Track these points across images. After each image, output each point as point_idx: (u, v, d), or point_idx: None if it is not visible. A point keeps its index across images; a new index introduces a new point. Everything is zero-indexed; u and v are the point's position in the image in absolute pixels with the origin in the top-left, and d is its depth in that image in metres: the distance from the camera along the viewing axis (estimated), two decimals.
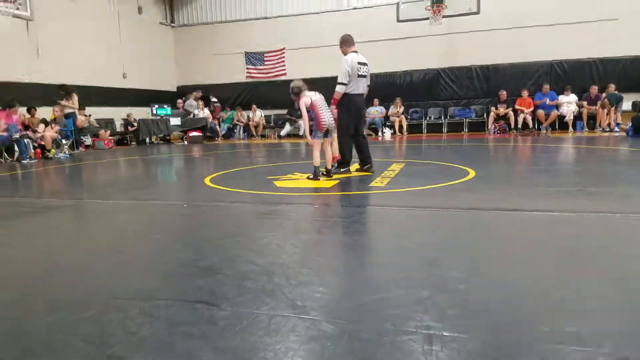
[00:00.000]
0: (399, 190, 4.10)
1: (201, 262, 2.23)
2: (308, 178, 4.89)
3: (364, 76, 5.15)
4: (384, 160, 6.72)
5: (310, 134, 4.95)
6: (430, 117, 13.13)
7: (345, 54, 5.12)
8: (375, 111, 13.24)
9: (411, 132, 13.08)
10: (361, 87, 5.13)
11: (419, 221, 2.97)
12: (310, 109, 4.82)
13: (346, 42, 5.16)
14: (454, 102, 13.12)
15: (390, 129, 12.79)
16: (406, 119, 12.99)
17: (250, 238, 2.68)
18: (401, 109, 12.98)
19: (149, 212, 3.68)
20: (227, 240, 2.63)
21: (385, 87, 13.39)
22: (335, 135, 5.13)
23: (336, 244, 2.56)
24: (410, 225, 2.89)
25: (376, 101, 13.18)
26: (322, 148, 4.99)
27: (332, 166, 5.05)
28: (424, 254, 2.26)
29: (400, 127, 12.84)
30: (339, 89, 5.05)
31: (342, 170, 5.19)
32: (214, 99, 14.55)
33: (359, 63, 5.05)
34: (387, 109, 13.19)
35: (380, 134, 12.77)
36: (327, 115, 4.80)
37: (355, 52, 5.11)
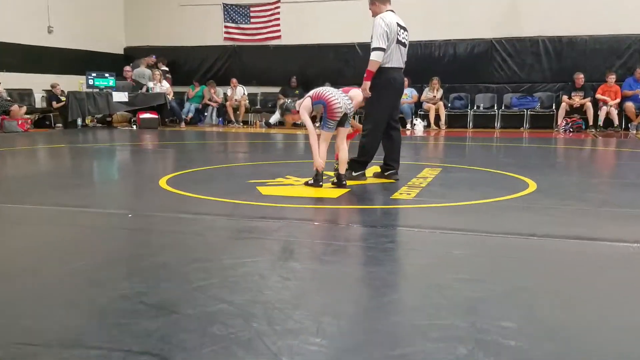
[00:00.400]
0: (432, 206, 4.11)
1: (151, 297, 2.23)
2: (306, 184, 4.90)
3: (404, 45, 5.12)
4: (414, 163, 6.74)
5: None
6: (478, 107, 13.20)
7: (376, 14, 5.06)
8: (403, 95, 13.28)
9: (452, 125, 13.15)
10: (402, 59, 5.11)
11: (458, 249, 2.97)
12: (316, 100, 4.78)
13: None
14: (511, 87, 13.20)
15: (423, 121, 12.84)
16: (445, 107, 13.07)
17: (221, 265, 2.67)
18: (439, 94, 13.05)
19: (79, 223, 3.67)
20: (189, 268, 2.63)
21: (418, 63, 13.42)
22: (350, 126, 5.05)
23: (342, 277, 2.56)
24: (446, 255, 2.89)
25: (405, 81, 13.23)
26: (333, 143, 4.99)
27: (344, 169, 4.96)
28: (463, 295, 2.26)
29: (437, 118, 12.91)
30: (376, 57, 4.91)
31: (354, 174, 5.17)
32: (164, 67, 14.57)
33: (399, 25, 5.02)
34: (420, 92, 13.25)
35: (409, 126, 12.82)
36: (342, 98, 4.77)
37: (392, 11, 5.09)
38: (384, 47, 4.89)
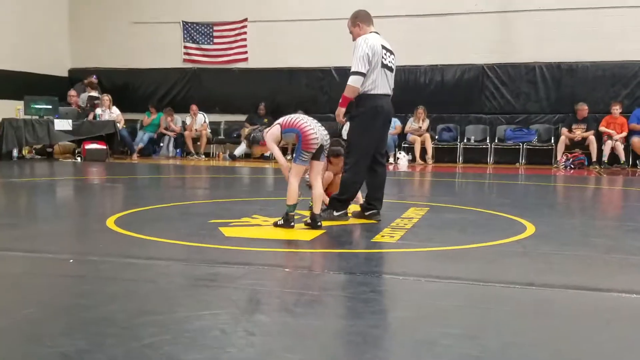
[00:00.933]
0: (419, 250, 4.14)
1: (94, 355, 2.19)
2: (276, 225, 4.91)
3: (391, 69, 5.18)
4: (398, 201, 6.79)
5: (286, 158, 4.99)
6: (469, 139, 13.44)
7: (358, 36, 5.14)
8: None
9: (439, 159, 13.32)
10: (388, 85, 5.15)
11: (446, 300, 2.99)
12: (287, 127, 4.83)
13: (362, 19, 5.19)
14: (505, 119, 13.48)
15: (408, 154, 13.00)
16: (432, 139, 13.26)
17: (176, 318, 2.64)
18: (425, 125, 13.26)
19: (10, 269, 3.60)
20: (139, 321, 2.58)
21: (402, 91, 13.51)
22: (331, 160, 5.17)
23: (317, 332, 2.54)
24: (434, 306, 2.90)
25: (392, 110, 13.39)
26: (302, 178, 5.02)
27: (321, 209, 5.02)
28: (454, 353, 2.26)
29: (423, 151, 13.08)
30: (353, 82, 4.98)
31: (336, 214, 5.19)
32: (92, 92, 14.29)
33: (384, 48, 5.09)
34: (404, 123, 13.43)
35: (392, 160, 12.95)
36: (319, 127, 4.83)
37: (377, 33, 5.19)
38: (364, 71, 4.94)
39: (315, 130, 4.76)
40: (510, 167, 12.74)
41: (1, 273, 3.53)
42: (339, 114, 5.12)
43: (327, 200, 5.18)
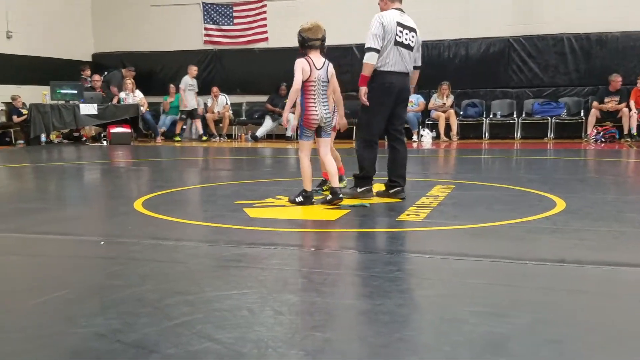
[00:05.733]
0: (445, 229, 4.13)
1: (128, 335, 2.24)
2: (294, 202, 4.97)
3: (407, 46, 5.17)
4: (422, 179, 6.77)
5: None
6: (495, 114, 13.27)
7: (383, 10, 5.19)
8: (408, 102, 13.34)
9: (464, 136, 13.20)
10: (403, 62, 5.16)
11: (474, 278, 2.99)
12: (302, 92, 4.91)
13: None
14: (533, 92, 13.28)
15: (432, 131, 12.91)
16: (457, 115, 13.13)
17: (206, 298, 2.68)
18: (449, 100, 13.13)
19: (43, 252, 3.68)
20: (170, 301, 2.64)
21: (425, 65, 13.36)
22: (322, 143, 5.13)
23: (344, 311, 2.57)
24: (462, 285, 2.90)
25: (410, 89, 13.27)
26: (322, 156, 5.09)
27: (323, 181, 5.26)
28: (482, 331, 2.27)
29: (448, 128, 12.97)
30: (367, 59, 5.04)
31: (359, 190, 5.23)
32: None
33: (400, 25, 5.10)
34: (427, 99, 13.33)
35: (415, 137, 12.87)
36: (323, 108, 4.91)
37: (400, 10, 5.21)
38: (377, 47, 4.98)
39: (317, 110, 4.86)
40: (538, 142, 12.56)
41: (35, 255, 3.62)
42: (360, 94, 5.14)
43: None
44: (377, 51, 4.99)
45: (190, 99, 13.90)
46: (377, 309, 2.59)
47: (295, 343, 2.18)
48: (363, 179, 5.26)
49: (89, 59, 15.78)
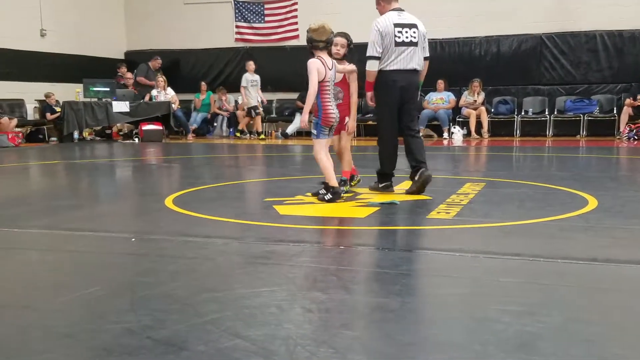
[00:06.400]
0: (476, 227, 4.09)
1: (158, 332, 2.26)
2: (319, 200, 4.99)
3: (410, 43, 5.31)
4: (453, 177, 6.72)
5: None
6: (526, 112, 13.14)
7: (381, 14, 5.40)
8: (438, 99, 13.32)
9: (495, 133, 13.08)
10: (406, 60, 5.32)
11: (505, 277, 2.96)
12: (320, 91, 5.00)
13: None
14: (565, 89, 13.12)
15: (463, 128, 12.80)
16: (488, 112, 13.02)
17: (235, 295, 2.70)
18: (480, 98, 13.02)
19: (76, 248, 3.73)
20: (200, 298, 2.65)
21: (456, 63, 13.47)
22: (345, 136, 5.46)
23: (373, 309, 2.56)
24: (492, 283, 2.87)
25: (440, 84, 13.28)
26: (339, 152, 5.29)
27: (343, 180, 5.40)
28: (513, 330, 2.24)
29: (479, 125, 12.86)
30: (369, 66, 5.31)
31: (380, 186, 5.45)
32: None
33: (398, 25, 5.28)
34: (458, 96, 13.23)
35: (446, 135, 12.79)
36: (334, 104, 5.06)
37: (398, 10, 5.38)
38: (377, 55, 5.25)
39: (333, 108, 5.02)
40: (570, 139, 12.38)
41: (67, 252, 3.68)
42: (367, 98, 5.50)
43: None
44: (377, 58, 5.25)
45: (251, 95, 13.55)
46: (406, 307, 2.58)
47: (324, 341, 2.17)
48: (382, 175, 5.47)
49: (121, 56, 15.99)
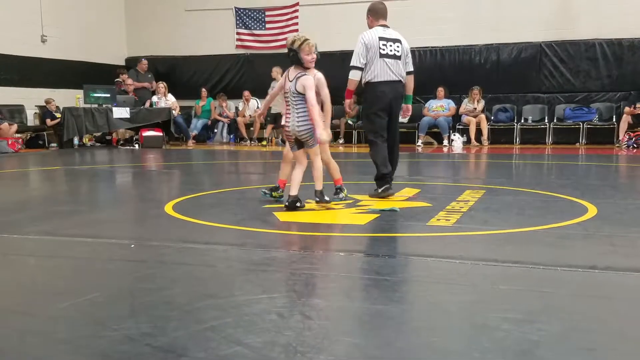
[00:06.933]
0: (475, 234, 4.09)
1: (158, 338, 2.25)
2: (321, 203, 5.00)
3: (395, 56, 5.65)
4: (453, 184, 6.72)
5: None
6: (526, 119, 13.17)
7: (370, 28, 5.73)
8: (438, 107, 13.35)
9: (495, 141, 13.10)
10: (392, 71, 5.64)
11: (505, 284, 2.95)
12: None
13: (373, 13, 5.77)
14: (564, 97, 13.16)
15: (463, 136, 12.82)
16: (488, 120, 13.04)
17: (235, 302, 2.69)
18: (480, 105, 13.05)
19: (74, 255, 3.73)
20: (199, 305, 2.65)
21: (456, 71, 13.51)
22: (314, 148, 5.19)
23: (373, 316, 2.56)
24: (492, 290, 2.87)
25: (441, 91, 13.32)
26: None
27: (278, 194, 5.42)
28: (513, 338, 2.24)
29: (479, 133, 12.88)
30: (351, 75, 5.64)
31: (380, 191, 5.57)
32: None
33: (382, 39, 5.62)
34: (458, 104, 13.26)
35: (446, 142, 12.80)
36: (294, 116, 5.05)
37: (384, 26, 5.72)
38: (360, 65, 5.59)
39: (289, 120, 5.05)
40: (569, 147, 12.39)
41: (66, 258, 3.67)
42: (348, 103, 5.84)
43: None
44: (359, 69, 5.59)
45: (277, 102, 13.34)
46: (406, 314, 2.58)
47: (324, 348, 2.17)
48: (380, 179, 5.61)
49: (122, 63, 16.03)
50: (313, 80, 4.97)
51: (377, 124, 5.70)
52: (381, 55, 5.56)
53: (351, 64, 5.62)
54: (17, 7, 13.18)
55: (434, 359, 2.11)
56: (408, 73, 5.78)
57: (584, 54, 12.91)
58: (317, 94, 5.05)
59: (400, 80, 5.68)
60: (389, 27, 5.74)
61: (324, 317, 2.51)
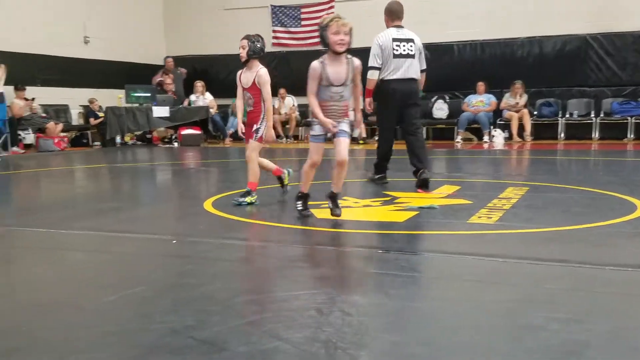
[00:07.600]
0: (519, 232, 4.03)
1: (199, 332, 2.29)
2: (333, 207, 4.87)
3: (407, 56, 6.05)
4: (494, 181, 6.64)
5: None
6: (571, 114, 12.90)
7: (387, 27, 6.19)
8: (478, 102, 13.17)
9: (539, 136, 12.88)
10: (405, 70, 6.05)
11: (551, 283, 2.91)
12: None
13: (388, 14, 6.22)
14: (611, 91, 12.85)
15: (504, 131, 12.63)
16: (531, 115, 12.83)
17: (274, 298, 2.72)
18: (523, 100, 12.84)
19: (119, 250, 3.82)
20: (240, 300, 2.69)
21: (497, 65, 13.31)
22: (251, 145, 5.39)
23: (413, 314, 2.55)
24: (537, 290, 2.83)
25: (481, 86, 13.14)
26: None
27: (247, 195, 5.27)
28: (559, 338, 2.21)
29: (521, 128, 12.67)
30: (369, 75, 6.03)
31: (376, 177, 6.36)
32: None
33: (396, 40, 6.04)
34: (500, 99, 13.07)
35: (487, 138, 12.64)
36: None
37: (398, 27, 6.14)
38: (377, 65, 6.02)
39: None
40: (617, 142, 12.10)
41: (111, 253, 3.77)
42: (365, 103, 5.99)
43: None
44: (377, 68, 6.01)
45: None
46: (446, 312, 2.56)
47: (363, 344, 2.18)
48: (377, 166, 6.41)
49: (161, 62, 16.28)
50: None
51: (386, 119, 6.29)
52: (395, 56, 6.00)
53: (369, 65, 5.98)
54: (61, 10, 13.53)
55: (476, 359, 2.09)
56: (421, 71, 6.18)
57: (631, 46, 12.60)
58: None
59: (412, 78, 6.07)
60: (403, 27, 6.16)
61: (363, 314, 2.52)
